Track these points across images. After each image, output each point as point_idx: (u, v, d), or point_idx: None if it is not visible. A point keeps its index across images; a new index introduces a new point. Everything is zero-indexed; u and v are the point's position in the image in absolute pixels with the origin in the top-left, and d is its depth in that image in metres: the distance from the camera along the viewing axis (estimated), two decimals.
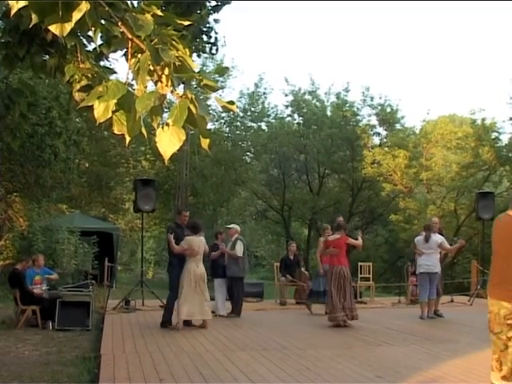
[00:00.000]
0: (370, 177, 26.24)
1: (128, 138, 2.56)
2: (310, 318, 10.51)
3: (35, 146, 13.75)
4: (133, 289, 11.63)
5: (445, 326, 9.77)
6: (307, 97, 29.70)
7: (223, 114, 26.70)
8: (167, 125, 2.40)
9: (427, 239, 10.30)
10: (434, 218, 11.79)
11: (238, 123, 28.00)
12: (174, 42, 2.53)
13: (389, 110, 28.25)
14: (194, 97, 2.43)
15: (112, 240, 18.10)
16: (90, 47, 3.07)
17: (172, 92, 2.50)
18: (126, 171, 25.47)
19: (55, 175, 15.18)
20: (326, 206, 28.95)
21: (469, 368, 6.12)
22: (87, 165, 22.87)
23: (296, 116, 29.93)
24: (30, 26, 2.44)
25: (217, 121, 26.94)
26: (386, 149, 25.98)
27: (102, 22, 2.56)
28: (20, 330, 8.84)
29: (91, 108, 2.49)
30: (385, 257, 28.48)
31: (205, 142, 2.55)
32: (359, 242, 9.85)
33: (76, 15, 2.35)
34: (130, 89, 2.51)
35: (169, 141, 2.41)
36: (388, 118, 28.27)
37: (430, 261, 10.26)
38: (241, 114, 27.65)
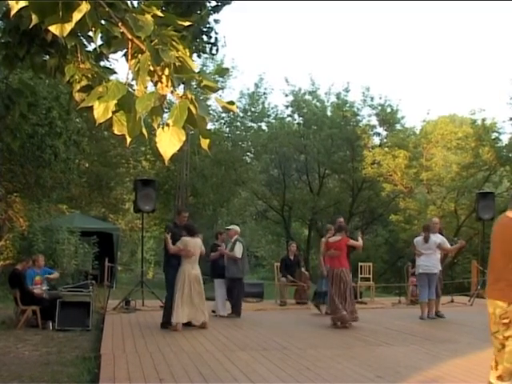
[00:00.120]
0: (370, 177, 26.25)
1: (128, 139, 2.56)
2: (310, 318, 10.51)
3: (35, 147, 13.75)
4: (133, 289, 11.63)
5: (445, 326, 9.77)
6: (307, 97, 29.73)
7: (223, 115, 26.73)
8: (167, 125, 2.40)
9: (426, 240, 10.30)
10: (435, 219, 11.78)
11: (238, 123, 28.02)
12: (174, 43, 2.53)
13: (389, 110, 28.29)
14: (194, 97, 2.44)
15: (112, 240, 18.10)
16: (90, 47, 3.08)
17: (172, 92, 2.50)
18: (127, 171, 25.48)
19: (55, 175, 15.18)
20: (327, 207, 28.97)
21: (469, 368, 6.12)
22: (87, 165, 22.87)
23: (296, 116, 29.98)
24: (30, 27, 2.44)
25: (217, 121, 26.98)
26: (386, 149, 26.00)
27: (102, 22, 2.57)
28: (20, 330, 8.83)
29: (91, 108, 2.49)
30: (385, 257, 28.49)
31: (205, 143, 2.55)
32: (359, 242, 9.86)
33: (76, 16, 2.36)
34: (130, 89, 2.51)
35: (169, 141, 2.41)
36: (388, 118, 28.29)
37: (429, 262, 10.24)
38: (241, 114, 27.67)
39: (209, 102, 18.96)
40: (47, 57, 3.41)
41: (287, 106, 29.78)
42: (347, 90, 28.77)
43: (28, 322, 9.27)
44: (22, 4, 2.31)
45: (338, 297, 9.10)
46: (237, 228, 11.09)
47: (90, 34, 2.64)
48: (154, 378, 5.63)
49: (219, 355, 6.76)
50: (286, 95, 29.49)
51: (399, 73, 72.50)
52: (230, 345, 7.53)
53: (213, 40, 8.39)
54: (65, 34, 2.40)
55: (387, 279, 24.74)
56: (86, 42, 2.99)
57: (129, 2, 2.63)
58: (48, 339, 8.16)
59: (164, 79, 2.49)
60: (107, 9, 2.46)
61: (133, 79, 2.56)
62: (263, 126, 29.37)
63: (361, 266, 13.62)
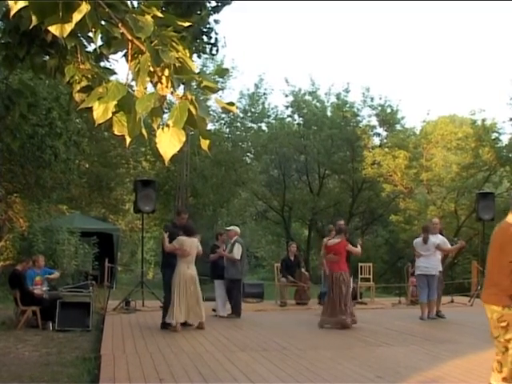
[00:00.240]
0: (370, 177, 26.25)
1: (128, 139, 2.56)
2: (311, 318, 10.49)
3: (35, 147, 13.74)
4: (133, 289, 11.63)
5: (445, 326, 9.77)
6: (307, 97, 29.72)
7: (223, 115, 26.72)
8: (167, 126, 2.40)
9: (425, 241, 10.29)
10: (435, 219, 11.77)
11: (238, 124, 28.01)
12: (174, 44, 2.53)
13: (389, 110, 28.28)
14: (194, 98, 2.44)
15: (112, 241, 18.11)
16: (90, 48, 3.08)
17: (172, 93, 2.50)
18: (127, 172, 25.47)
19: (55, 176, 15.17)
20: (327, 207, 28.97)
21: (469, 368, 6.12)
22: (87, 165, 22.87)
23: (296, 117, 29.97)
24: (30, 27, 2.44)
25: (217, 121, 26.97)
26: (386, 149, 25.98)
27: (103, 23, 2.56)
28: (20, 331, 8.83)
29: (91, 109, 2.49)
30: (385, 257, 28.47)
31: (205, 143, 2.55)
32: (358, 249, 9.82)
33: (76, 16, 2.35)
34: (130, 90, 2.51)
35: (169, 142, 2.41)
36: (388, 118, 28.29)
37: (428, 263, 10.23)
38: (241, 115, 27.66)
39: (209, 103, 18.95)
40: (47, 57, 3.41)
41: (287, 107, 29.79)
42: (347, 91, 28.79)
43: (28, 323, 9.28)
44: (22, 4, 2.31)
45: (339, 301, 9.10)
46: (236, 229, 11.08)
47: (90, 34, 2.64)
48: (154, 379, 5.63)
49: (219, 355, 6.76)
50: (286, 96, 29.51)
51: (399, 73, 72.54)
52: (229, 345, 7.53)
53: (213, 40, 8.38)
54: (65, 35, 2.40)
55: (387, 280, 24.72)
56: (86, 43, 2.99)
57: (129, 3, 2.63)
58: (48, 340, 8.16)
59: (164, 80, 2.49)
60: (107, 9, 2.46)
61: (133, 80, 2.56)
62: (263, 126, 29.38)
63: (361, 267, 13.63)
